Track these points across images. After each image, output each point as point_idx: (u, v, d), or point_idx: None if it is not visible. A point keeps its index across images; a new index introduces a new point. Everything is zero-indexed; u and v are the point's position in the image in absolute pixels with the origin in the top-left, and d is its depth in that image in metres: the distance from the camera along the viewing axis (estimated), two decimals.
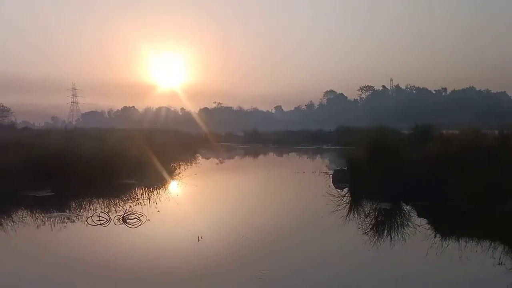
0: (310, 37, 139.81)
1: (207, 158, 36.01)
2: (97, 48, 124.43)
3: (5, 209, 14.27)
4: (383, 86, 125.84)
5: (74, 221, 12.27)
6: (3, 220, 12.59)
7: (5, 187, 16.22)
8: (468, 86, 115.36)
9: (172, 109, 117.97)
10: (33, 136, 25.17)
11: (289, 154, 41.74)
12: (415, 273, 5.90)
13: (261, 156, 39.64)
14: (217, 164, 31.92)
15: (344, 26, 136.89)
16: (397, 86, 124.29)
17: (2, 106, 48.62)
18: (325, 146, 47.64)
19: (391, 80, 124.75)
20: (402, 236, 9.74)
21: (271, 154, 41.69)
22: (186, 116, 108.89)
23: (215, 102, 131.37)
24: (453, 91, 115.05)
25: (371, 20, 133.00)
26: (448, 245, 8.29)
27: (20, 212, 13.74)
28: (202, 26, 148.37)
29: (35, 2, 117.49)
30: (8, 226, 11.89)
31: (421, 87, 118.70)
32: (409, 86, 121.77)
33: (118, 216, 12.50)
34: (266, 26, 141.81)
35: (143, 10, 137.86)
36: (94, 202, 15.43)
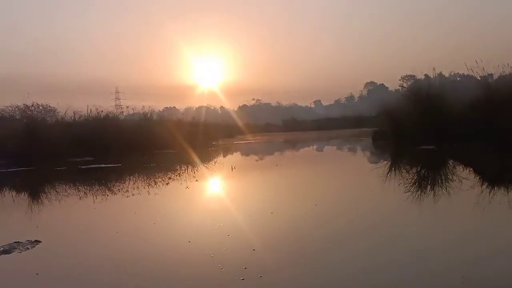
0: (349, 29, 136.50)
1: (243, 141, 35.94)
2: (137, 50, 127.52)
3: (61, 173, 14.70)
4: (426, 75, 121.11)
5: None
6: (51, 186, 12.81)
7: (57, 157, 17.14)
8: None
9: (212, 108, 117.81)
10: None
11: (328, 136, 40.96)
12: (462, 229, 4.94)
13: (295, 137, 39.10)
14: (251, 143, 31.79)
15: (382, 13, 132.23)
16: (440, 74, 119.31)
17: (49, 106, 49.03)
18: (365, 129, 46.38)
19: (434, 69, 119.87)
20: (446, 190, 8.95)
21: (306, 136, 41.07)
22: (225, 114, 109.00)
23: (253, 99, 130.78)
24: (500, 76, 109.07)
25: (410, 9, 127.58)
26: (495, 195, 7.43)
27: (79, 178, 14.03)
28: (241, 24, 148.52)
29: (77, 7, 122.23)
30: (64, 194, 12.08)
31: (465, 74, 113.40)
32: (452, 73, 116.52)
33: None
34: (306, 22, 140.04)
35: (183, 9, 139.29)
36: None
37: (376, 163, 11.73)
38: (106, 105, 36.12)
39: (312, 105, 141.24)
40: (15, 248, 3.80)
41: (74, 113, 25.80)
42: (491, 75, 18.15)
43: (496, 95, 14.34)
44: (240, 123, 61.95)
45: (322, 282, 2.96)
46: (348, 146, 20.30)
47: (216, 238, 4.21)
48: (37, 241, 4.05)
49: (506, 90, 14.54)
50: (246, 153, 20.39)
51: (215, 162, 14.70)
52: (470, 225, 4.25)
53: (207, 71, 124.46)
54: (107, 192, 8.09)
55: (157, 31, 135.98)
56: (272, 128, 64.60)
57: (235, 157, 17.83)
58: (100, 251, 3.87)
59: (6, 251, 3.72)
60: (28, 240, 4.06)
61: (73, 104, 29.11)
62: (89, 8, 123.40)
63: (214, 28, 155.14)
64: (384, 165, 10.81)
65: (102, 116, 26.74)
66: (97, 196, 7.53)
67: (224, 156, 18.31)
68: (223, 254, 3.65)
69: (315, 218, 5.00)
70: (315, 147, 20.19)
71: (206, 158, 16.20)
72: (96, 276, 3.19)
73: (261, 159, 15.21)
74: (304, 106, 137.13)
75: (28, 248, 3.84)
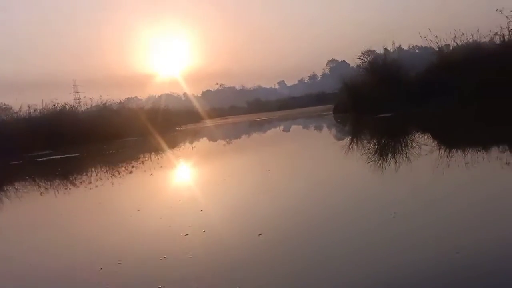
0: (311, 9, 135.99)
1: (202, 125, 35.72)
2: (95, 41, 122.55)
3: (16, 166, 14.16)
4: (385, 49, 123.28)
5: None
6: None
7: (13, 152, 16.63)
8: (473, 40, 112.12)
9: (175, 95, 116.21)
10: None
11: (292, 114, 41.17)
12: (424, 190, 4.79)
13: (260, 118, 39.13)
14: (215, 127, 31.66)
15: None
16: (399, 47, 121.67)
17: (4, 105, 47.02)
18: (328, 105, 46.97)
19: (393, 42, 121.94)
20: (407, 157, 9.04)
21: (271, 116, 41.18)
22: (189, 100, 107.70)
23: (217, 84, 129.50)
24: (456, 46, 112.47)
25: None
26: (453, 158, 7.51)
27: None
28: (204, 7, 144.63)
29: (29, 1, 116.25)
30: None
31: (423, 46, 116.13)
32: (411, 46, 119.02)
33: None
34: (267, 4, 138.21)
35: None
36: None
37: (338, 136, 11.84)
38: (65, 99, 34.64)
39: (277, 86, 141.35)
40: None
41: (29, 107, 24.64)
42: (447, 45, 18.85)
43: (449, 59, 14.79)
44: (203, 107, 61.33)
45: (262, 230, 3.02)
46: (311, 122, 20.45)
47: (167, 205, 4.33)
48: None
49: (458, 54, 15.01)
50: (209, 136, 20.22)
51: (177, 147, 14.48)
52: (430, 189, 4.28)
53: (169, 58, 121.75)
54: (62, 183, 7.81)
55: (115, 18, 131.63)
56: (237, 110, 64.51)
57: (197, 141, 17.63)
58: (58, 237, 3.74)
59: None
60: None
61: (29, 100, 27.85)
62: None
63: (176, 13, 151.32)
64: (346, 137, 10.92)
65: (58, 109, 25.71)
66: (50, 186, 7.27)
67: (187, 140, 18.05)
68: (172, 217, 3.80)
69: (267, 185, 5.01)
70: (281, 127, 20.25)
71: (169, 143, 15.90)
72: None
73: (226, 143, 15.06)
74: (268, 87, 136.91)
75: None
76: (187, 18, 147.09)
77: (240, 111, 63.40)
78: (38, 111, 24.80)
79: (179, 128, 28.71)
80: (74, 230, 3.88)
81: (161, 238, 3.16)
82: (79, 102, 34.27)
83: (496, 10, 14.42)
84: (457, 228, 2.84)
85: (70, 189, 6.68)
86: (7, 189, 7.62)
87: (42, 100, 24.22)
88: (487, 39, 15.99)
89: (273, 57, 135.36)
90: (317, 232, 3.00)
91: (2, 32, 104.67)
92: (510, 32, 14.17)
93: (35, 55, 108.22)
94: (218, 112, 57.38)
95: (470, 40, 16.36)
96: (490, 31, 15.58)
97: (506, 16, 14.05)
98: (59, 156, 13.35)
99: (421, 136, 9.13)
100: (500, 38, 14.90)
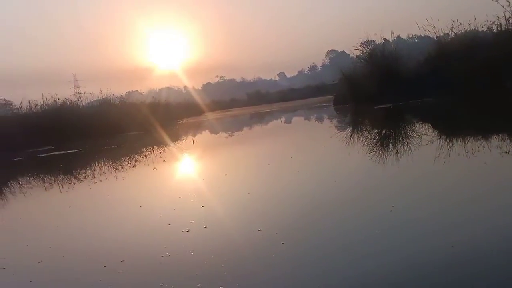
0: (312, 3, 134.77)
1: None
2: (94, 35, 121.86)
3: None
4: (384, 39, 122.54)
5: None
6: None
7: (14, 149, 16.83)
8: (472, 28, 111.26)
9: (176, 88, 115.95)
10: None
11: (292, 106, 41.09)
12: (425, 182, 4.75)
13: (260, 110, 39.07)
14: (216, 120, 31.65)
15: None
16: (398, 37, 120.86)
17: (5, 100, 47.15)
18: (328, 96, 46.85)
19: (392, 32, 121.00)
20: (408, 147, 9.05)
21: (272, 108, 41.12)
22: (189, 93, 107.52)
23: (217, 76, 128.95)
24: (455, 35, 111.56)
25: None
26: (454, 147, 7.53)
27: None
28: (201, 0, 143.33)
29: None
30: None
31: (422, 35, 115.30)
32: (410, 36, 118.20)
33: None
34: None
35: None
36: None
37: (339, 127, 11.86)
38: (65, 93, 34.45)
39: (277, 78, 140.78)
40: None
41: (30, 103, 24.57)
42: (447, 34, 18.72)
43: (446, 49, 14.75)
44: (204, 100, 61.07)
45: (262, 226, 3.07)
46: (311, 113, 20.48)
47: (169, 201, 4.39)
48: None
49: (455, 44, 14.97)
50: (211, 129, 20.26)
51: (179, 141, 14.53)
52: (433, 178, 4.27)
53: (168, 51, 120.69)
54: (69, 178, 7.89)
55: (114, 12, 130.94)
56: (238, 103, 64.43)
57: (199, 134, 17.67)
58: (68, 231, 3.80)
59: None
60: None
61: (29, 95, 27.77)
62: None
63: (174, 6, 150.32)
64: (346, 128, 10.94)
65: (58, 104, 25.66)
66: (54, 182, 7.36)
67: (189, 134, 18.10)
68: (173, 213, 3.87)
69: (269, 179, 5.08)
70: (283, 119, 20.26)
71: (170, 137, 15.95)
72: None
73: (228, 135, 15.10)
74: (268, 79, 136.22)
75: None
76: (185, 11, 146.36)
77: (241, 103, 63.34)
78: (39, 106, 24.72)
79: (180, 122, 28.76)
80: (77, 227, 3.95)
81: (163, 235, 3.21)
82: (80, 97, 34.17)
83: (493, 0, 14.34)
84: (454, 221, 2.86)
85: (74, 184, 6.77)
86: (12, 185, 7.71)
87: (43, 94, 24.10)
88: (484, 28, 15.95)
89: (273, 48, 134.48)
90: (317, 227, 3.03)
91: (1, 26, 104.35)
92: (507, 21, 14.12)
93: (35, 49, 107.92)
94: (219, 105, 57.32)
95: (468, 30, 16.32)
96: (487, 20, 15.53)
97: (502, 6, 14.00)
98: (61, 152, 13.42)
99: (421, 126, 9.17)
100: (497, 27, 14.88)
